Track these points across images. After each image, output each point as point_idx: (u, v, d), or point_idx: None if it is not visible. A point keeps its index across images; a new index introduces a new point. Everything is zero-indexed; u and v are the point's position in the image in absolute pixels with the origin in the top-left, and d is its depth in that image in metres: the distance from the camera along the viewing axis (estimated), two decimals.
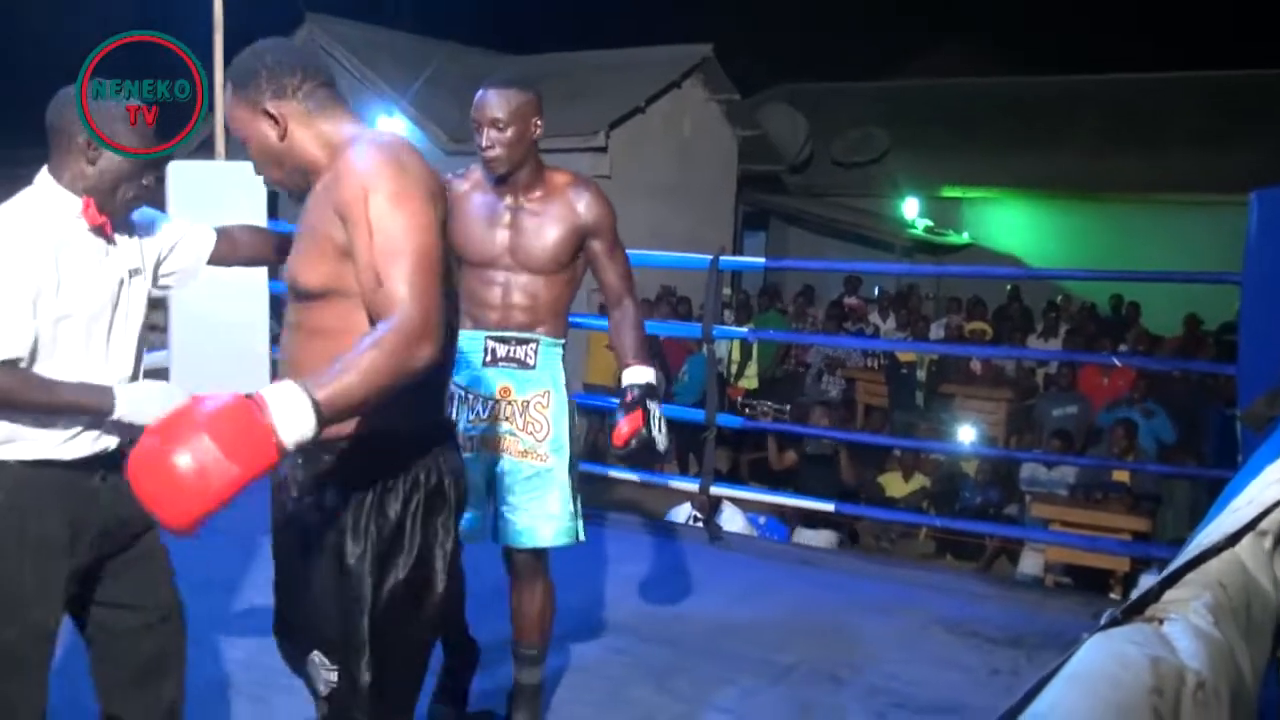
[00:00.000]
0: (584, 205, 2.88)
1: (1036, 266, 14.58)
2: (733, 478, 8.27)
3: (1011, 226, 17.05)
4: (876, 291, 13.87)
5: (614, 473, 6.26)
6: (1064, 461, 7.63)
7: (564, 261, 2.89)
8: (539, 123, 2.85)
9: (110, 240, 2.18)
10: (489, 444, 2.89)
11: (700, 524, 5.50)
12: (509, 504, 2.90)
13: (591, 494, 7.80)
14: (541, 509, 2.88)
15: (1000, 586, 5.11)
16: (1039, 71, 18.83)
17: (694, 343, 10.11)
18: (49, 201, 2.12)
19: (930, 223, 17.18)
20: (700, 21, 15.09)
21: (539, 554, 2.95)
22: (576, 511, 2.95)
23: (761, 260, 7.90)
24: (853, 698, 3.50)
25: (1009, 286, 13.32)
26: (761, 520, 6.52)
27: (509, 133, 2.79)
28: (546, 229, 2.86)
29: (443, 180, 2.87)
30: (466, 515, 2.55)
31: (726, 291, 12.42)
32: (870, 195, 17.56)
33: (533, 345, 2.88)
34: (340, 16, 15.00)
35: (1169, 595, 1.13)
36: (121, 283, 2.20)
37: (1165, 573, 1.19)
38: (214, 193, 4.86)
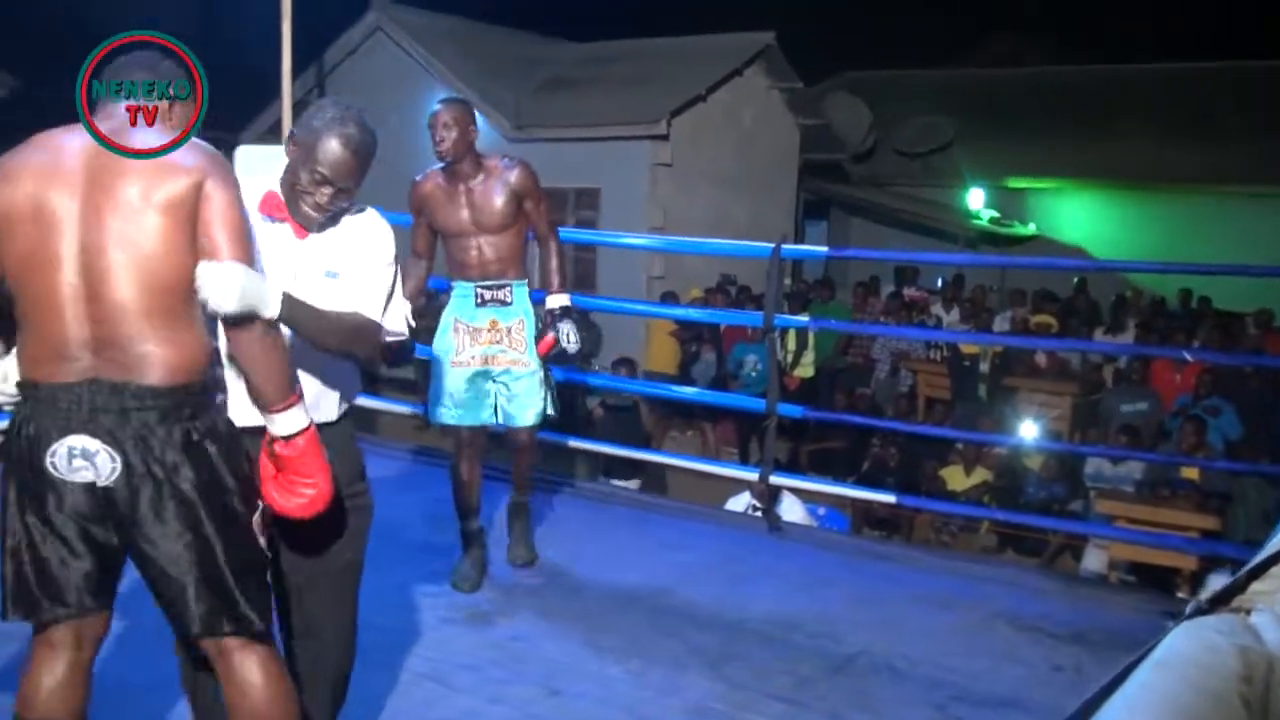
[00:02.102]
0: (514, 176, 3.94)
1: (1105, 259, 14.30)
2: (792, 467, 8.24)
3: (1079, 218, 16.76)
4: (940, 283, 13.70)
5: (673, 460, 6.26)
6: (1130, 457, 7.49)
7: (511, 220, 3.95)
8: (474, 128, 3.91)
9: (300, 235, 2.39)
10: (487, 360, 4.00)
11: (759, 513, 5.47)
12: (507, 397, 4.03)
13: (667, 483, 7.79)
14: (529, 399, 4.04)
15: (1063, 582, 5.02)
16: (1108, 60, 18.49)
17: (750, 331, 10.07)
18: (257, 184, 2.38)
19: (996, 214, 16.94)
20: (763, 9, 14.96)
21: (530, 430, 4.13)
22: (550, 397, 4.10)
23: (824, 249, 7.85)
24: (912, 690, 3.46)
25: (1075, 279, 13.09)
26: (821, 511, 6.48)
27: (454, 132, 3.84)
28: (492, 198, 3.91)
29: (413, 181, 4.03)
30: (452, 407, 3.99)
31: (787, 281, 12.35)
32: (934, 185, 17.36)
33: (508, 288, 3.99)
34: (405, 4, 15.12)
35: (1255, 587, 1.09)
36: (309, 276, 2.37)
37: (1250, 565, 1.15)
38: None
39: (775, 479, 5.34)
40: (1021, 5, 23.90)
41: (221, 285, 2.00)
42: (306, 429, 2.15)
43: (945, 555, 5.79)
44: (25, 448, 2.04)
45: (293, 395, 2.13)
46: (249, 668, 2.16)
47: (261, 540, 2.19)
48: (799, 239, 15.56)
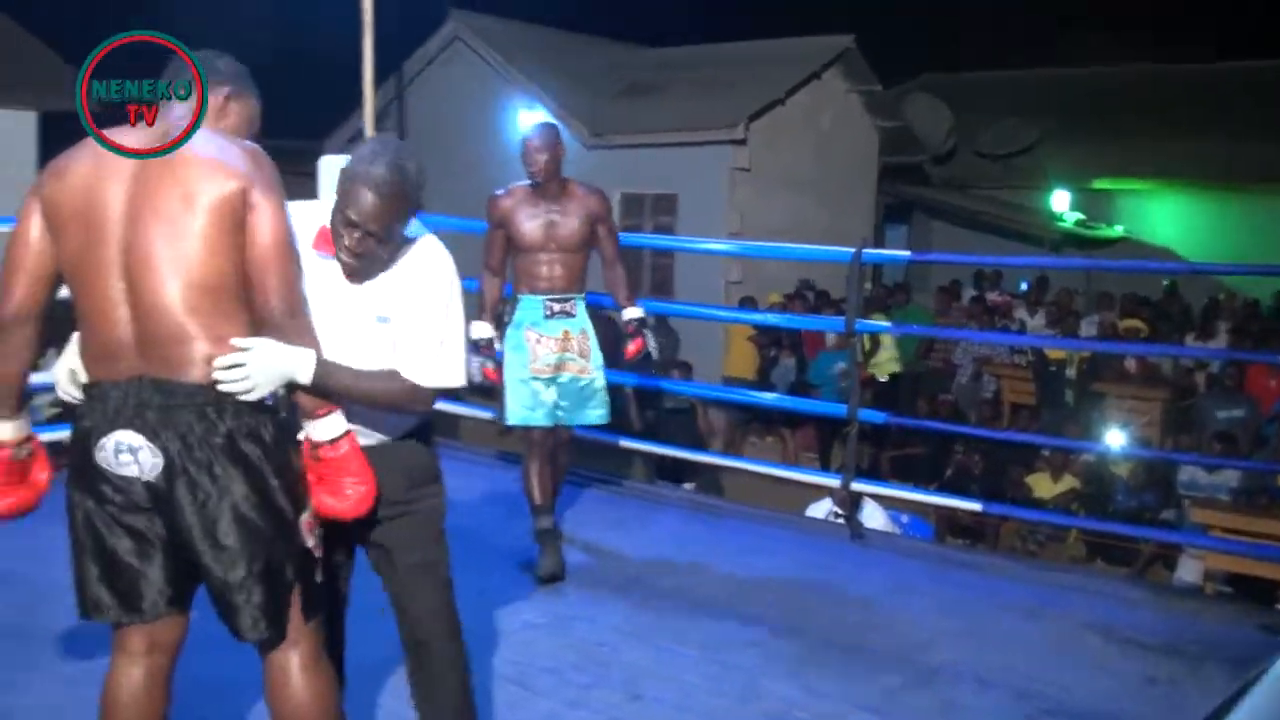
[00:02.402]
0: (593, 203, 4.28)
1: (1195, 261, 13.90)
2: (873, 474, 8.14)
3: (1168, 220, 16.35)
4: (1023, 286, 13.45)
5: (751, 465, 6.21)
6: (1226, 465, 7.26)
7: (585, 241, 4.27)
8: (563, 150, 4.26)
9: (350, 278, 2.30)
10: (559, 367, 4.24)
11: (840, 520, 5.41)
12: (570, 402, 4.28)
13: (723, 486, 7.79)
14: (590, 404, 4.34)
15: (1156, 593, 4.88)
16: (1192, 58, 18.00)
17: (832, 338, 9.97)
18: (312, 214, 2.35)
19: (1082, 216, 16.59)
20: (841, 12, 14.87)
21: (572, 433, 4.55)
22: (607, 400, 4.40)
23: (906, 253, 7.75)
24: (1000, 700, 3.38)
25: (1166, 282, 12.74)
26: (904, 518, 6.38)
27: (546, 156, 4.17)
28: (571, 220, 4.22)
29: (495, 195, 4.28)
30: (532, 409, 4.22)
31: (867, 285, 12.23)
32: (1017, 188, 17.06)
33: (573, 302, 4.26)
34: (483, 12, 15.26)
35: None
36: (359, 320, 2.30)
37: None
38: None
39: (857, 485, 5.28)
40: (1113, 3, 23.40)
41: (243, 379, 2.03)
42: (347, 433, 2.19)
43: (1032, 564, 5.66)
44: (80, 446, 2.09)
45: (331, 403, 2.18)
46: (290, 664, 2.17)
47: (310, 540, 2.18)
48: (879, 243, 15.38)
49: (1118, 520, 7.28)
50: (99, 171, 2.08)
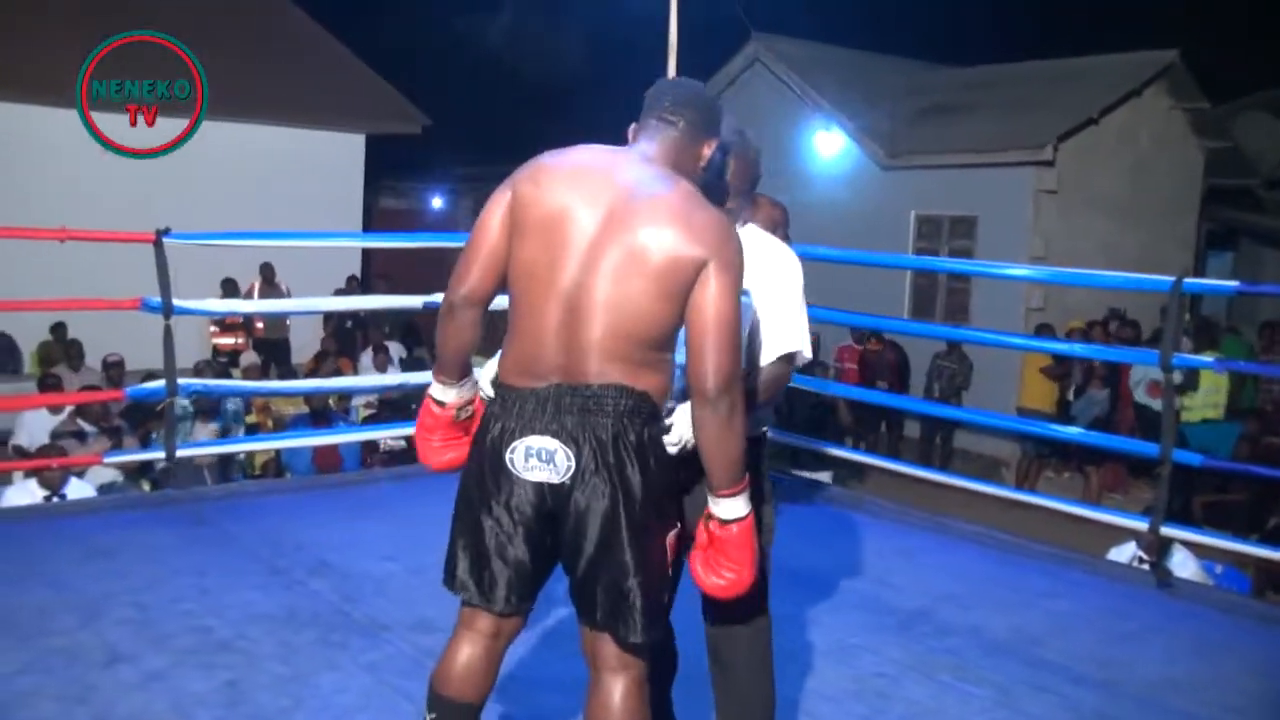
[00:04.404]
0: (775, 214, 4.33)
1: None
2: (1184, 518, 7.56)
3: None
4: None
5: (1049, 503, 5.93)
6: None
7: None
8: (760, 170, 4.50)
9: None
10: None
11: (1146, 566, 5.06)
12: None
13: (1016, 523, 7.46)
14: None
15: None
16: None
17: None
18: None
19: None
20: (1170, 24, 13.93)
21: None
22: None
23: (1233, 284, 7.14)
24: None
25: None
26: (1218, 569, 5.89)
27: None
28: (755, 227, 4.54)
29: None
30: None
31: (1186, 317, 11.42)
32: None
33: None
34: (785, 35, 15.34)
35: None
36: None
37: None
38: None
39: (1167, 530, 4.92)
40: None
41: (675, 443, 2.15)
42: (744, 518, 2.15)
43: None
44: (489, 445, 2.15)
45: (740, 484, 2.14)
46: (614, 688, 2.19)
47: (668, 557, 2.20)
48: (1199, 272, 14.30)
49: None
50: (578, 192, 2.13)
